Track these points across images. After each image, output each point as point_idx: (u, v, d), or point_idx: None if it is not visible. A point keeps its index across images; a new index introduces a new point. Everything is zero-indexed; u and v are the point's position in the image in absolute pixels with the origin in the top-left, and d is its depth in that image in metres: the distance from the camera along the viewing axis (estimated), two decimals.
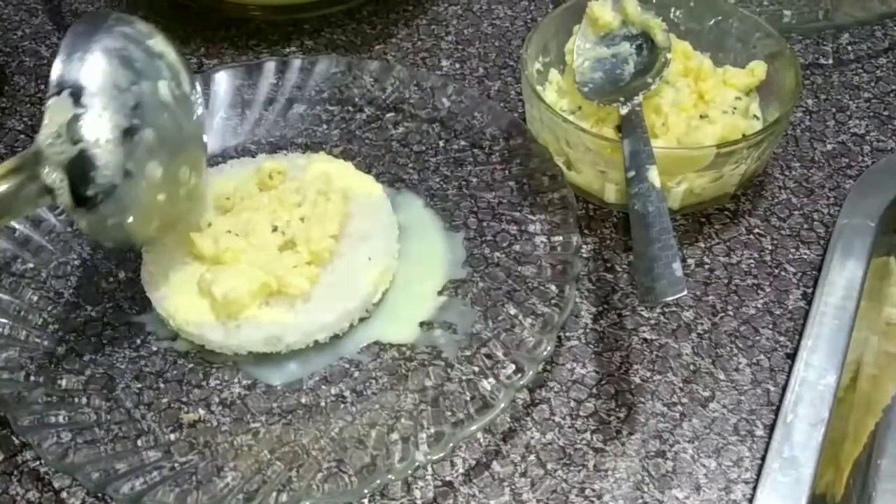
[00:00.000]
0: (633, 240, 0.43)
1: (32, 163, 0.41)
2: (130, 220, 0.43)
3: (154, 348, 0.48)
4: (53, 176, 0.40)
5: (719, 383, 0.46)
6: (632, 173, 0.46)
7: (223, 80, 0.60)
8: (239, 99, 0.60)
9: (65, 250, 0.52)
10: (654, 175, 0.45)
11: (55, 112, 0.41)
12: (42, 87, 0.65)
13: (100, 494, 0.42)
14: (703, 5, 0.58)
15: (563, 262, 0.48)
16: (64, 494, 0.42)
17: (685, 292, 0.39)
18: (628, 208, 0.45)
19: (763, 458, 0.43)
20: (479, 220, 0.53)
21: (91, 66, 0.42)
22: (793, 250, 0.52)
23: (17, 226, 0.51)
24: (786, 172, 0.57)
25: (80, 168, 0.40)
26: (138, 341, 0.48)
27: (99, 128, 0.41)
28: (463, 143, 0.57)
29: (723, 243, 0.52)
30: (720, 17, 0.58)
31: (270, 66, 0.60)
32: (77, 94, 0.41)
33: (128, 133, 0.41)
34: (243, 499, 0.40)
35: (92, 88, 0.41)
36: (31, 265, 0.50)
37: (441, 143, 0.58)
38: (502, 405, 0.42)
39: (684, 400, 0.45)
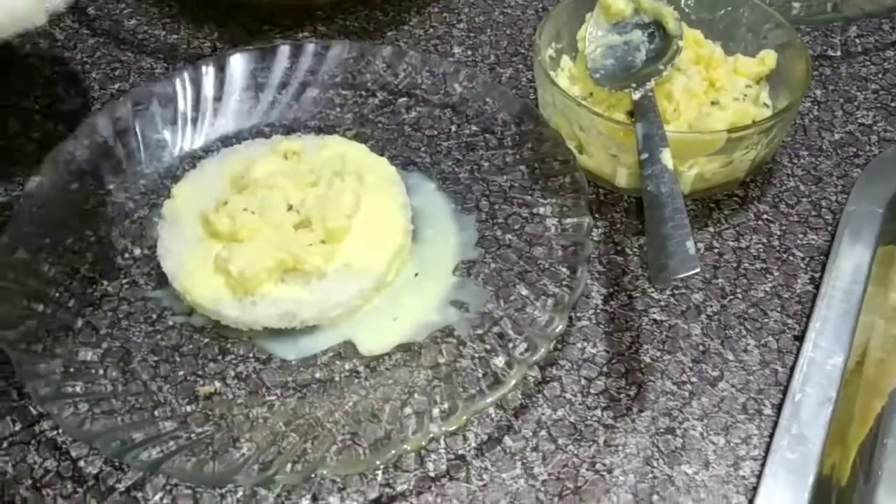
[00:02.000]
0: (646, 220, 0.43)
1: None
2: None
3: (170, 323, 0.48)
4: None
5: (728, 363, 0.46)
6: (645, 155, 0.46)
7: (238, 63, 0.60)
8: (253, 82, 0.61)
9: (81, 227, 0.52)
10: (667, 157, 0.46)
11: None
12: (56, 69, 0.65)
13: (117, 462, 0.43)
14: None
15: (574, 244, 0.49)
16: (81, 463, 0.43)
17: (698, 269, 0.39)
18: (641, 190, 0.45)
19: (771, 436, 0.43)
20: (490, 202, 0.54)
21: None
22: (801, 236, 0.53)
23: (36, 200, 0.51)
24: (794, 160, 0.57)
25: None
26: (154, 316, 0.49)
27: None
28: (475, 127, 0.58)
29: (732, 228, 0.53)
30: (731, 7, 0.59)
31: (285, 50, 0.61)
32: None
33: None
34: (258, 469, 0.41)
35: None
36: (48, 240, 0.51)
37: (453, 128, 0.58)
38: (514, 381, 0.43)
39: (693, 379, 0.46)
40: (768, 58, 0.56)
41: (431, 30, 0.68)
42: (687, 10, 0.59)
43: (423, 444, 0.41)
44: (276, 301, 0.47)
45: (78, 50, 0.67)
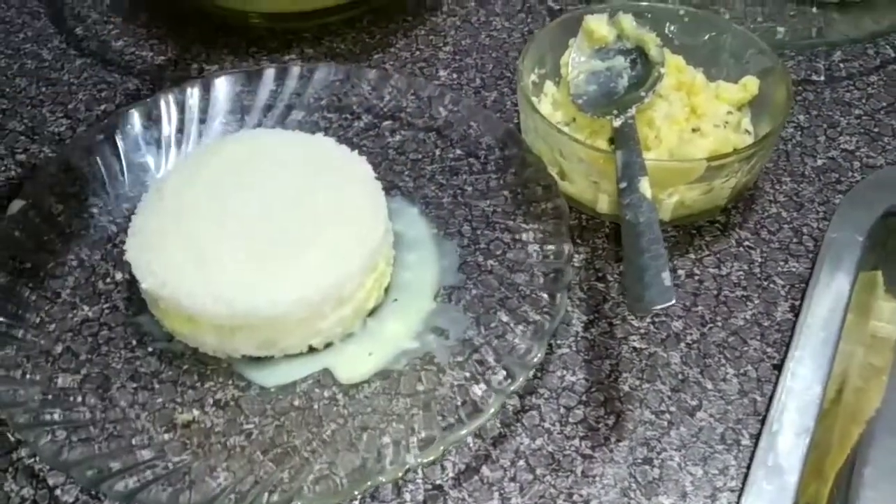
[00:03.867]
0: (623, 249, 0.43)
1: None
2: None
3: (150, 349, 0.48)
4: None
5: (707, 393, 0.47)
6: (624, 184, 0.47)
7: (223, 86, 0.60)
8: (238, 105, 0.61)
9: (63, 251, 0.52)
10: (645, 186, 0.46)
11: None
12: (43, 89, 0.65)
13: (93, 492, 0.43)
14: (698, 21, 0.59)
15: (555, 271, 0.49)
16: (58, 492, 0.43)
17: (674, 301, 0.39)
18: (620, 218, 0.45)
19: (749, 467, 0.43)
20: (473, 228, 0.54)
21: None
22: (782, 263, 0.53)
23: (18, 225, 0.51)
24: (776, 186, 0.58)
25: None
26: (134, 342, 0.49)
27: None
28: (459, 151, 0.58)
29: (713, 255, 0.53)
30: (714, 33, 0.59)
31: (270, 72, 0.61)
32: None
33: None
34: (235, 499, 0.41)
35: None
36: (28, 265, 0.51)
37: (437, 152, 0.59)
38: (492, 410, 0.43)
39: (672, 408, 0.46)
40: (750, 84, 0.56)
41: (418, 52, 0.69)
42: (670, 36, 0.59)
43: (400, 475, 0.41)
44: (254, 330, 0.47)
45: (65, 70, 0.67)
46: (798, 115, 0.62)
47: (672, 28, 0.60)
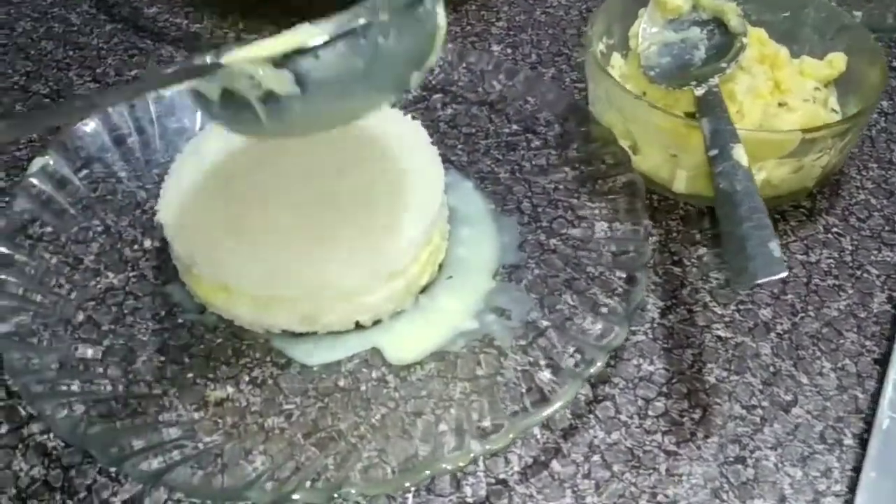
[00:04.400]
0: (720, 220, 0.39)
1: None
2: None
3: (180, 321, 0.44)
4: None
5: (802, 387, 0.41)
6: (714, 151, 0.42)
7: None
8: None
9: (87, 216, 0.48)
10: (739, 153, 0.41)
11: None
12: (71, 53, 0.61)
13: (113, 472, 0.38)
14: None
15: (626, 251, 0.44)
16: (73, 472, 0.38)
17: (786, 272, 0.35)
18: (713, 187, 0.40)
19: (854, 469, 0.38)
20: (533, 205, 0.49)
21: None
22: (875, 252, 0.48)
23: (40, 185, 0.47)
24: (863, 172, 0.53)
25: None
26: (163, 313, 0.44)
27: None
28: (515, 126, 0.54)
29: (800, 241, 0.48)
30: (795, 7, 0.54)
31: None
32: None
33: None
34: (273, 485, 0.36)
35: None
36: (50, 228, 0.46)
37: (491, 127, 0.54)
38: (566, 397, 0.38)
39: (765, 403, 0.41)
40: (837, 60, 0.52)
41: (469, 27, 0.64)
42: (747, 13, 0.55)
43: (462, 464, 0.36)
44: (295, 301, 0.42)
45: (94, 35, 0.63)
46: (881, 101, 0.58)
47: (747, 5, 0.55)
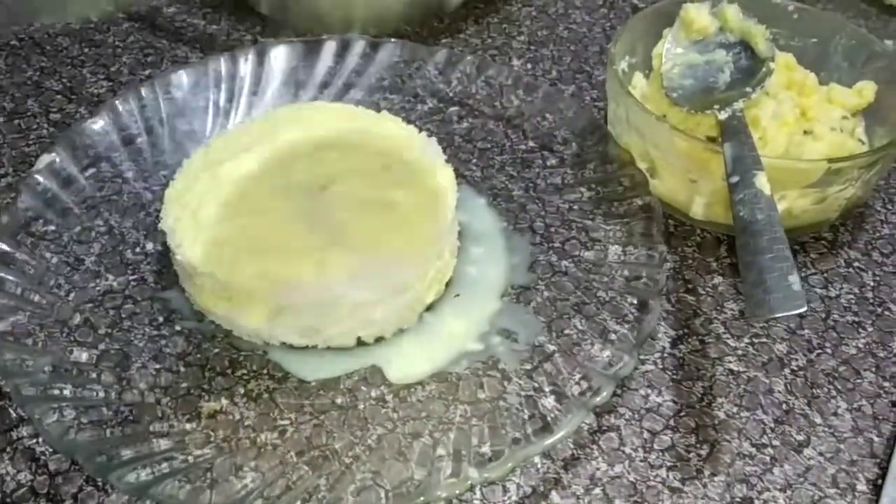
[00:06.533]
0: (739, 249, 0.37)
1: None
2: None
3: (177, 328, 0.43)
4: None
5: (815, 427, 0.40)
6: (736, 178, 0.41)
7: (279, 57, 0.55)
8: (293, 78, 0.56)
9: (91, 216, 0.47)
10: (762, 181, 0.40)
11: None
12: (86, 50, 0.61)
13: (100, 481, 0.37)
14: (810, 18, 0.53)
15: (640, 276, 0.43)
16: (59, 479, 0.37)
17: (806, 307, 0.33)
18: (733, 215, 0.39)
19: None
20: (546, 224, 0.48)
21: None
22: None
23: (46, 182, 0.46)
24: (888, 206, 0.51)
25: None
26: (160, 319, 0.43)
27: None
28: (532, 144, 0.53)
29: (819, 274, 0.47)
30: (825, 33, 0.53)
31: (331, 45, 0.56)
32: None
33: None
34: (262, 503, 0.35)
35: None
36: (52, 227, 0.45)
37: (507, 143, 0.53)
38: (570, 426, 0.36)
39: (776, 442, 0.39)
40: (866, 89, 0.50)
41: (490, 40, 0.63)
42: (775, 37, 0.53)
43: (458, 492, 0.35)
44: (297, 313, 0.41)
45: (111, 33, 0.63)
46: None
47: (776, 30, 0.54)
